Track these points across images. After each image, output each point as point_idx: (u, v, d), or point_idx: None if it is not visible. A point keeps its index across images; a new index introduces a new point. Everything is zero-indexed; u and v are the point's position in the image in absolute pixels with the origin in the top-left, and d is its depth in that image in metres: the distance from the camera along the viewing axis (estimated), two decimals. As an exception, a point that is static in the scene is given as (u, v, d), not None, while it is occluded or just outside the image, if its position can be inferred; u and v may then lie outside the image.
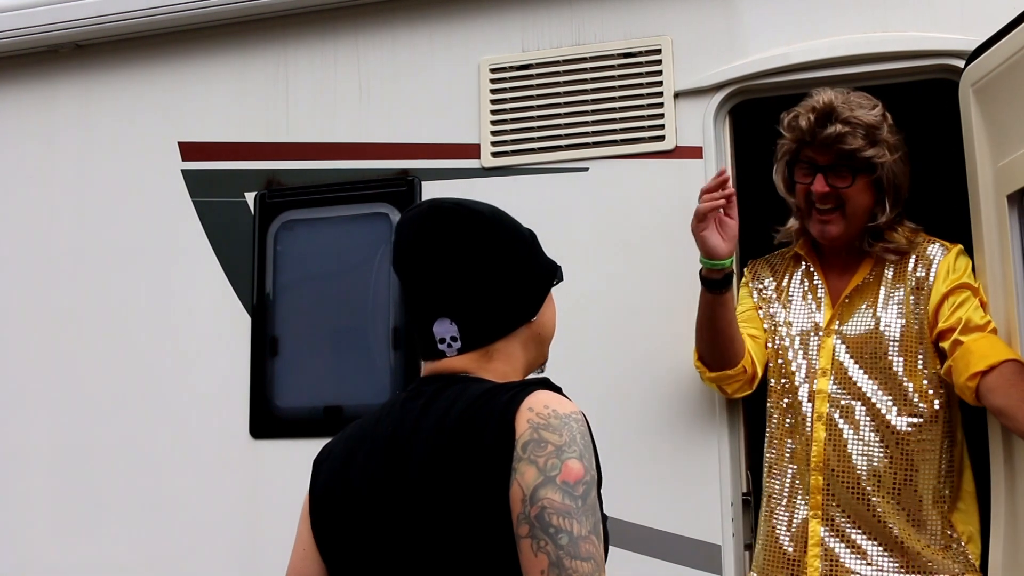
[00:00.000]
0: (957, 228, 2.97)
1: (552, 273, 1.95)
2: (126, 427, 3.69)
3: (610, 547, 1.79)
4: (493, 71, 3.46)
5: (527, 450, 1.68)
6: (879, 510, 2.78)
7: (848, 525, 2.81)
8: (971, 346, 2.69)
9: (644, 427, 3.19)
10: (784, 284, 3.06)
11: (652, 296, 3.23)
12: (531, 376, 1.91)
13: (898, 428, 2.80)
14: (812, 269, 3.02)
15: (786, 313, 3.02)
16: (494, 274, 1.86)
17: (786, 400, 2.94)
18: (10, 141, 4.03)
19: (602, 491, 1.75)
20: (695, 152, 3.24)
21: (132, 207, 3.83)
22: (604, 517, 1.74)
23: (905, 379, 2.82)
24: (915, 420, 2.80)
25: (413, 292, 1.90)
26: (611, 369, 3.24)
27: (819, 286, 2.99)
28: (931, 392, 2.81)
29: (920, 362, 2.82)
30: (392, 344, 3.45)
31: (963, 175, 2.89)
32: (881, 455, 2.80)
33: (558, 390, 1.80)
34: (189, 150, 3.79)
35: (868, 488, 2.79)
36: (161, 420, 3.66)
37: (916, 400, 2.81)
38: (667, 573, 3.09)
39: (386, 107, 3.59)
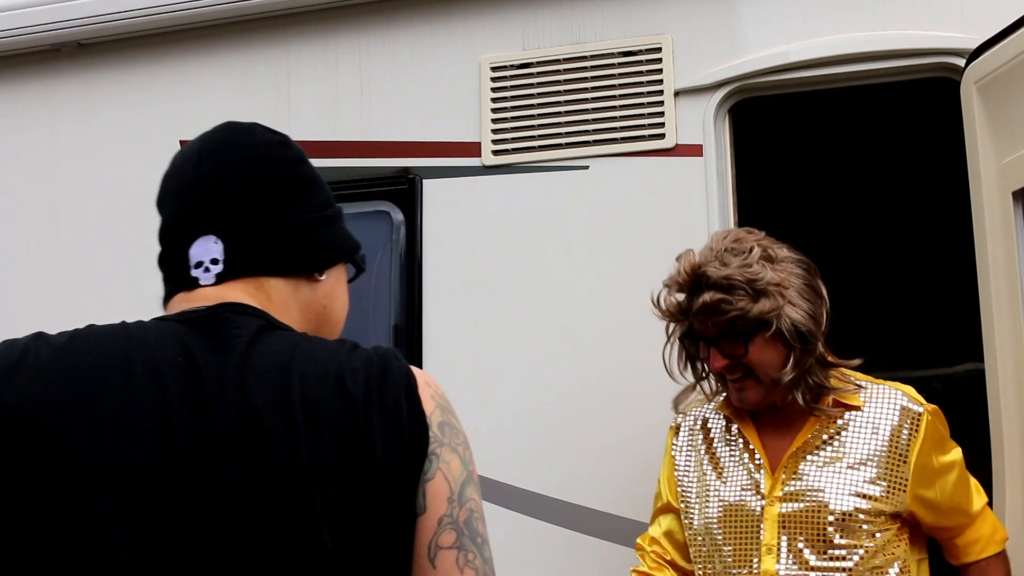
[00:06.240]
0: (954, 226, 2.97)
1: (352, 249, 1.62)
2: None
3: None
4: (494, 69, 3.47)
5: (445, 434, 1.32)
6: None
7: None
8: (970, 536, 2.54)
9: (643, 426, 3.19)
10: (715, 445, 2.63)
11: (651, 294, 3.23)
12: None
13: None
14: (743, 432, 2.58)
15: (719, 481, 2.57)
16: (284, 196, 1.52)
17: None
18: (12, 140, 4.03)
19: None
20: (695, 150, 3.25)
21: (134, 206, 3.82)
22: None
23: (861, 550, 2.41)
24: None
25: (175, 212, 1.50)
26: (610, 368, 3.25)
27: (755, 451, 2.54)
28: (889, 557, 2.45)
29: (879, 532, 2.44)
30: (392, 343, 3.46)
31: (961, 173, 2.89)
32: None
33: None
34: (190, 149, 3.79)
35: None
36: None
37: (877, 566, 2.43)
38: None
39: (387, 105, 3.60)
